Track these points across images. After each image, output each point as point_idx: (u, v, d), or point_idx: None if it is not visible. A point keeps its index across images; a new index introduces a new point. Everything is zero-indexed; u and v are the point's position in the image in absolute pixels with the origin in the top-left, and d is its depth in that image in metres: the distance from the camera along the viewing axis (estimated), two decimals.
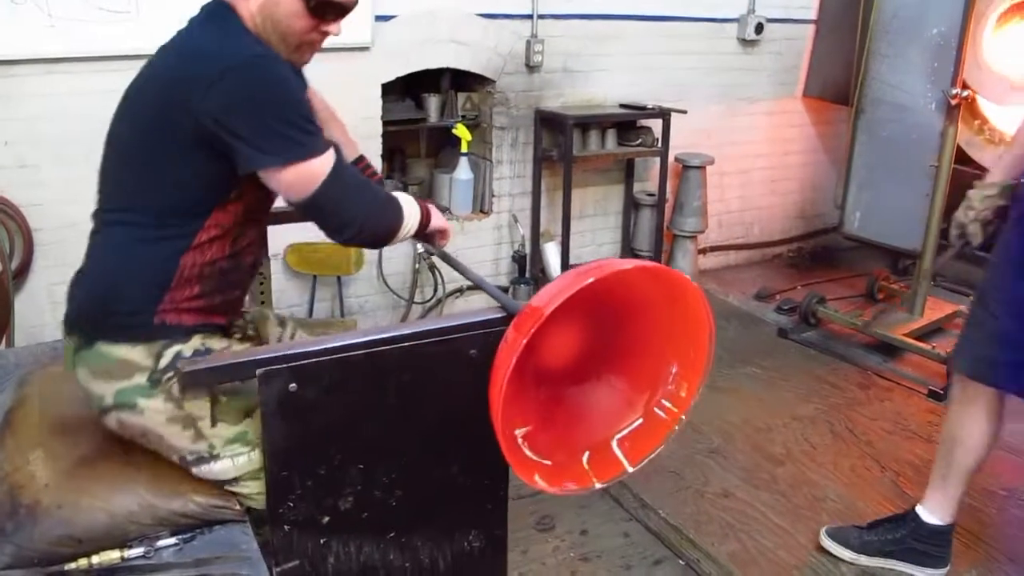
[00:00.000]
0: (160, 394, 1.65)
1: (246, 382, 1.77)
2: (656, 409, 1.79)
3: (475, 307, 4.40)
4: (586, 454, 1.75)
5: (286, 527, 1.67)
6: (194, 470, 1.70)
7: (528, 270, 4.43)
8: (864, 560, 2.50)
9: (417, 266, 4.08)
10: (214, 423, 1.67)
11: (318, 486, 1.68)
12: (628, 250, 4.77)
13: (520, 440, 1.67)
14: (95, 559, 1.61)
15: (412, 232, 1.82)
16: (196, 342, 1.70)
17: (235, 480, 1.70)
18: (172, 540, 1.66)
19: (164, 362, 1.65)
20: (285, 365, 1.58)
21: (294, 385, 1.59)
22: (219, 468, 1.69)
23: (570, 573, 2.67)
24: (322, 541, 1.72)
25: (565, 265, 4.25)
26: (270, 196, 1.75)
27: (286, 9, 1.61)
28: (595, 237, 4.71)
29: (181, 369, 1.55)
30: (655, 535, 2.83)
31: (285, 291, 3.83)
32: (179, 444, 1.68)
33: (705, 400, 3.68)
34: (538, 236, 4.40)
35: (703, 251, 5.03)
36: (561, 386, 1.77)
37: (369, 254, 3.94)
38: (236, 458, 1.70)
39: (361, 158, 2.07)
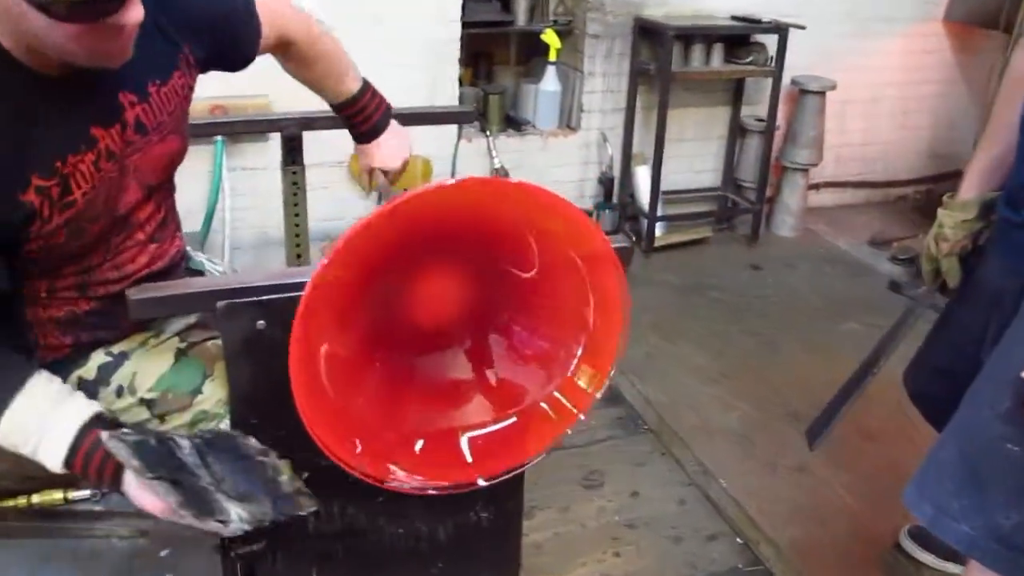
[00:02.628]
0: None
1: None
2: (543, 404, 1.35)
3: None
4: (420, 442, 1.31)
5: None
6: None
7: (615, 195, 4.08)
8: (952, 568, 2.14)
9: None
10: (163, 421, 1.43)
11: (291, 437, 1.43)
12: (730, 180, 4.34)
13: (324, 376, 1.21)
14: (35, 498, 1.42)
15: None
16: (99, 357, 1.41)
17: None
18: (87, 493, 1.46)
19: None
20: (252, 299, 1.32)
21: (262, 322, 1.33)
22: None
23: (611, 539, 2.40)
24: None
25: (656, 192, 3.88)
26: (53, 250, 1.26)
27: (33, 25, 1.03)
28: (693, 163, 4.29)
29: (129, 297, 1.32)
30: (714, 506, 2.52)
31: (347, 200, 3.60)
32: None
33: (791, 356, 3.36)
34: (629, 158, 4.02)
35: (815, 187, 4.55)
36: (433, 361, 1.38)
37: (442, 165, 3.66)
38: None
39: (366, 86, 1.77)
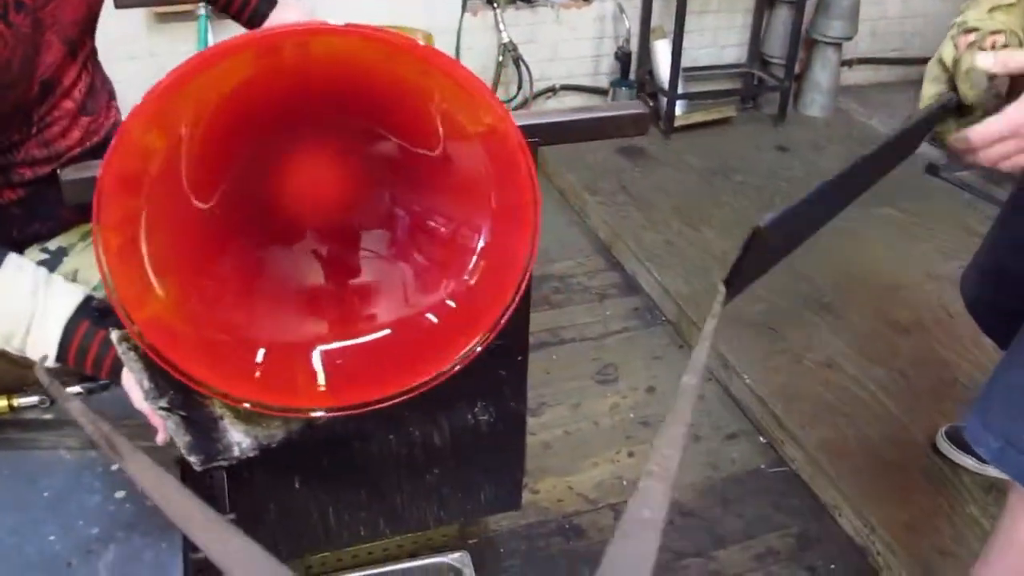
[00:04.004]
0: None
1: None
2: (430, 315, 1.04)
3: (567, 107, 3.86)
4: (262, 351, 1.00)
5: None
6: None
7: (633, 71, 3.80)
8: (993, 472, 1.98)
9: (500, 59, 3.52)
10: None
11: None
12: (756, 56, 4.05)
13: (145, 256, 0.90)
14: None
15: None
16: (34, 255, 1.22)
17: None
18: (77, 389, 1.29)
19: None
20: None
21: None
22: None
23: (625, 438, 2.26)
24: None
25: (677, 68, 3.60)
26: None
27: None
28: (716, 37, 3.99)
29: (62, 178, 1.13)
30: (736, 403, 2.37)
31: None
32: None
33: (821, 243, 3.11)
34: (648, 32, 3.73)
35: (848, 63, 4.24)
36: (294, 254, 1.08)
37: (446, 39, 3.40)
38: None
39: None
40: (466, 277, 1.03)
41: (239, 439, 1.04)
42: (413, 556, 1.70)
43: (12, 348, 1.05)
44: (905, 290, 2.75)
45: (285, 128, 0.97)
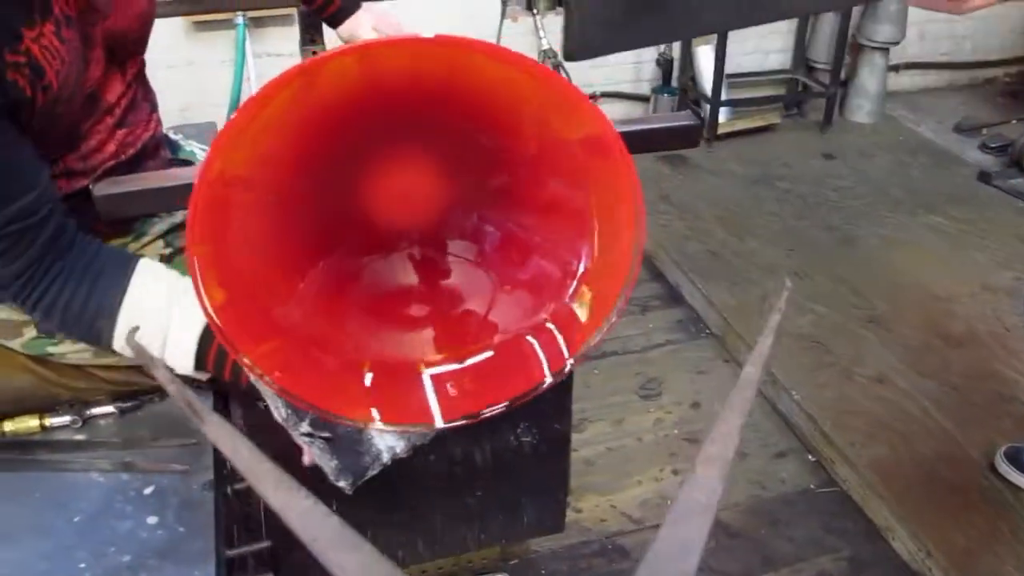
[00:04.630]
0: (64, 339, 1.19)
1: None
2: (530, 337, 1.00)
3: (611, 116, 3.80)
4: (368, 373, 0.95)
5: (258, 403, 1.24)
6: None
7: (675, 78, 3.74)
8: None
9: None
10: None
11: None
12: (801, 61, 3.96)
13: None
14: (8, 426, 1.24)
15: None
16: None
17: None
18: (109, 408, 1.27)
19: None
20: None
21: None
22: None
23: (669, 455, 2.20)
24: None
25: (720, 74, 3.54)
26: None
27: None
28: (761, 43, 3.91)
29: (95, 192, 1.10)
30: (783, 420, 2.30)
31: None
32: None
33: (869, 253, 3.06)
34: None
35: (896, 68, 4.13)
36: (387, 274, 1.06)
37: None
38: None
39: None
40: (567, 300, 0.99)
41: (392, 443, 1.02)
42: None
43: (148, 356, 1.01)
44: (957, 302, 2.66)
45: (368, 144, 0.93)
